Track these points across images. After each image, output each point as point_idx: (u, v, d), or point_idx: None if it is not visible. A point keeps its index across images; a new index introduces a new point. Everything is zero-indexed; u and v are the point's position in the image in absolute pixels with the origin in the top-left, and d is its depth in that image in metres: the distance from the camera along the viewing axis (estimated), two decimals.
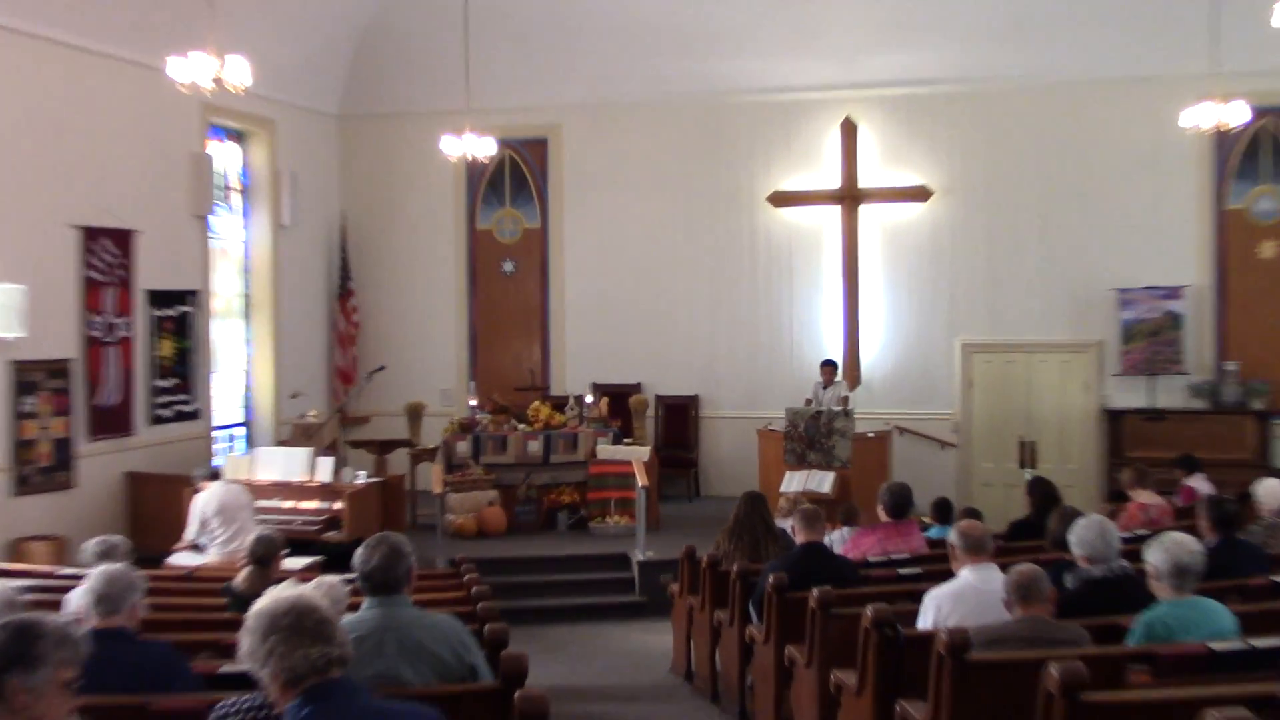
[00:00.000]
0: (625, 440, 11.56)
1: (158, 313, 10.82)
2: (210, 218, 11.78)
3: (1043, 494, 7.59)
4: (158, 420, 10.75)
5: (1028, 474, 10.26)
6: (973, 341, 12.76)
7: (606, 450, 11.27)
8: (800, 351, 13.06)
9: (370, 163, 14.03)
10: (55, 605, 4.99)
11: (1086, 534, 4.94)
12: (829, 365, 12.03)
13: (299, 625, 2.77)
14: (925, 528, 8.04)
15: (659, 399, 13.37)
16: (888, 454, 11.40)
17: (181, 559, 8.13)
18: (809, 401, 11.73)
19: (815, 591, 5.38)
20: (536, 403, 11.79)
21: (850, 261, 12.92)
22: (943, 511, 8.28)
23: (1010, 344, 12.62)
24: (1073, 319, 12.45)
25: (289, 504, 9.55)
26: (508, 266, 13.89)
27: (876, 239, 13.01)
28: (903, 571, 6.13)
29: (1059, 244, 12.55)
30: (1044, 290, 12.55)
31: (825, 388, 11.87)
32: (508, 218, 13.90)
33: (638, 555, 9.95)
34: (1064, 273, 12.50)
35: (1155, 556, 4.38)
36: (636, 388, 13.22)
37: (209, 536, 8.18)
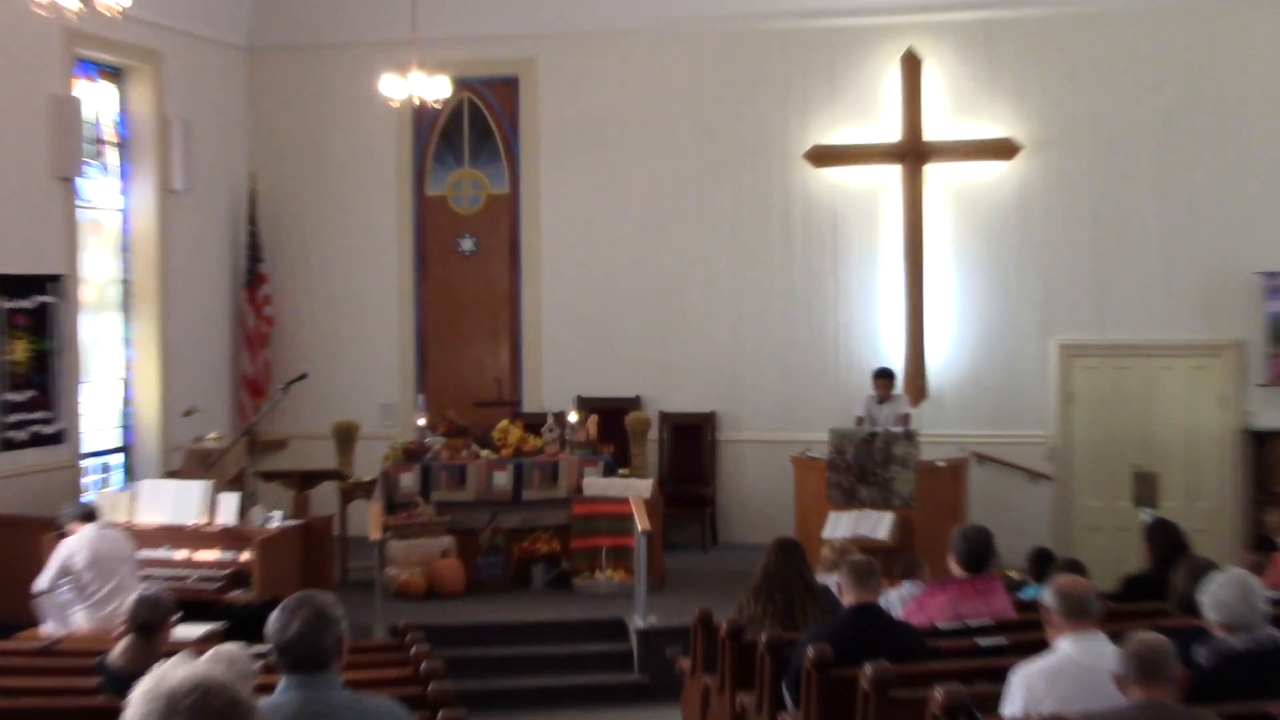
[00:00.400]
0: (620, 471, 11.60)
1: (8, 305, 10.81)
2: (78, 181, 11.80)
3: (1166, 541, 7.61)
4: (8, 445, 10.75)
5: (1146, 515, 10.24)
6: (1073, 342, 12.87)
7: (596, 484, 11.31)
8: (848, 356, 13.16)
9: (288, 109, 14.09)
10: None
11: (1224, 594, 4.93)
12: (885, 375, 12.10)
13: (203, 710, 2.64)
14: (1012, 585, 8.02)
15: (664, 417, 13.49)
16: (963, 489, 11.47)
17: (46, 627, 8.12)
18: (860, 420, 11.81)
19: (868, 668, 5.38)
20: (504, 422, 11.84)
21: (913, 238, 12.99)
22: (1036, 564, 8.29)
23: (1122, 345, 12.75)
24: (1205, 312, 12.57)
25: (181, 554, 9.56)
26: (467, 244, 13.99)
27: (947, 208, 13.11)
28: (982, 642, 6.16)
29: (1186, 214, 12.65)
30: (1167, 275, 12.66)
31: (881, 403, 11.94)
32: (467, 181, 14.01)
33: (637, 621, 9.95)
34: (1193, 252, 12.61)
35: None
36: (635, 402, 13.34)
37: (76, 593, 8.16)
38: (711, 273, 13.49)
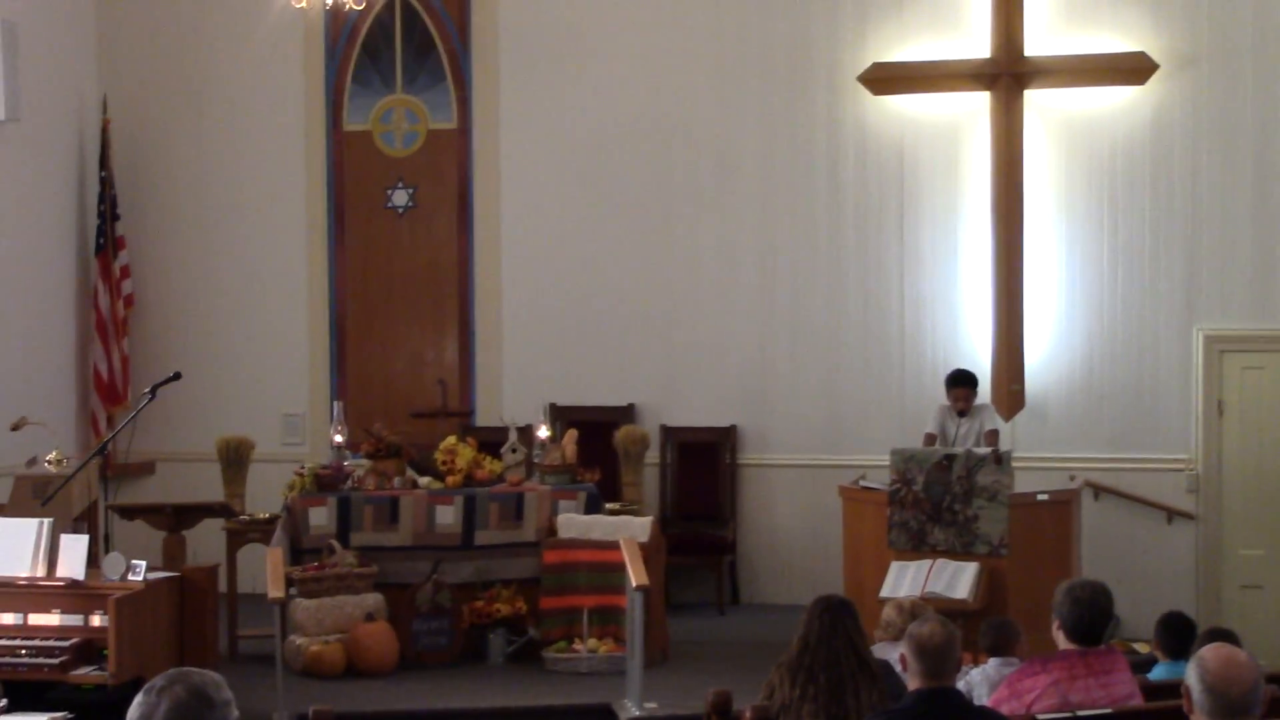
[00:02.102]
0: (608, 506, 11.65)
1: None
2: None
3: None
4: None
5: None
6: (1226, 332, 12.90)
7: (575, 523, 11.36)
8: (917, 352, 13.29)
9: (152, 14, 14.13)
10: None
11: None
12: (965, 380, 12.15)
13: None
14: (1140, 662, 8.02)
15: (668, 433, 13.60)
16: (1072, 531, 11.44)
17: None
18: (932, 439, 11.86)
19: None
20: (451, 439, 11.89)
21: (1008, 192, 13.00)
22: (1173, 634, 8.25)
23: None
24: None
25: (10, 618, 9.52)
26: (400, 197, 14.09)
27: (1054, 151, 13.15)
28: None
29: None
30: None
31: (961, 415, 12.01)
32: (399, 111, 14.10)
33: (630, 710, 9.94)
34: None
35: None
36: (628, 414, 13.46)
37: None
38: (732, 239, 13.60)
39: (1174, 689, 5.68)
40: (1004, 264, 13.03)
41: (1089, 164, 13.10)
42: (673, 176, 13.67)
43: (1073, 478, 12.16)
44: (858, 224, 13.42)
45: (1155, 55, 12.83)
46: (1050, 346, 13.15)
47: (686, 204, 13.66)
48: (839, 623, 7.13)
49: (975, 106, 13.16)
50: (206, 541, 11.62)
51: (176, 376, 12.05)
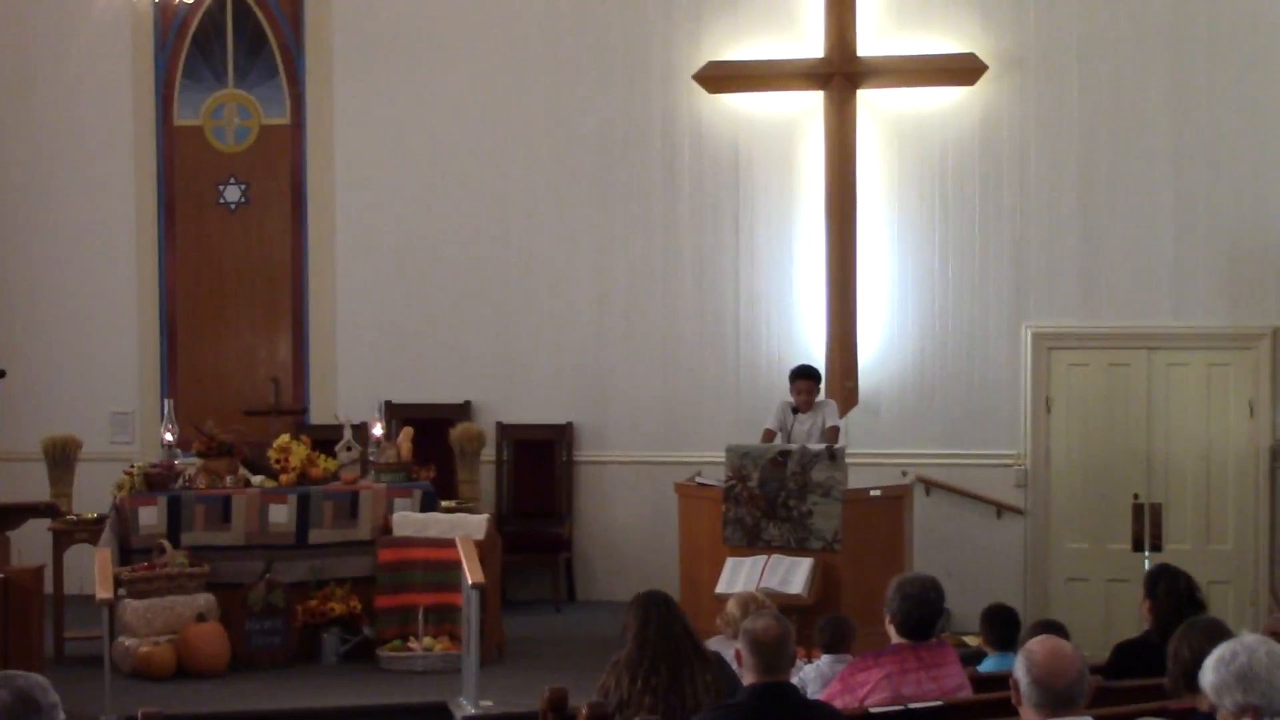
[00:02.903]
0: (444, 504, 11.61)
1: None
2: None
3: (1173, 597, 7.68)
4: None
5: (1147, 562, 10.42)
6: (1053, 330, 13.04)
7: (410, 521, 11.31)
8: (753, 350, 13.33)
9: None
10: None
11: (1247, 667, 4.96)
12: (808, 374, 12.10)
13: None
14: (970, 655, 8.10)
15: (504, 430, 13.59)
16: (904, 526, 11.55)
17: None
18: (771, 435, 11.84)
19: None
20: (284, 438, 11.76)
21: (841, 190, 13.05)
22: (1000, 627, 8.36)
23: (1119, 335, 12.92)
24: (1229, 292, 12.75)
25: None
26: (232, 193, 13.94)
27: (886, 150, 13.22)
28: None
29: (1206, 165, 12.84)
30: (1179, 243, 12.84)
31: (798, 411, 11.95)
32: (231, 106, 13.95)
33: (465, 708, 9.89)
34: (1215, 214, 12.81)
35: None
36: (464, 411, 13.42)
37: None
38: (568, 235, 13.61)
39: (1003, 680, 5.71)
40: (838, 262, 13.08)
41: (921, 163, 13.21)
42: (508, 173, 13.62)
43: (905, 473, 12.30)
44: (693, 221, 13.45)
45: (984, 56, 12.93)
46: (883, 344, 13.22)
47: (522, 200, 13.62)
48: (673, 613, 7.17)
49: (809, 105, 13.21)
50: (31, 542, 11.33)
51: (0, 374, 11.86)
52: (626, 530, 13.34)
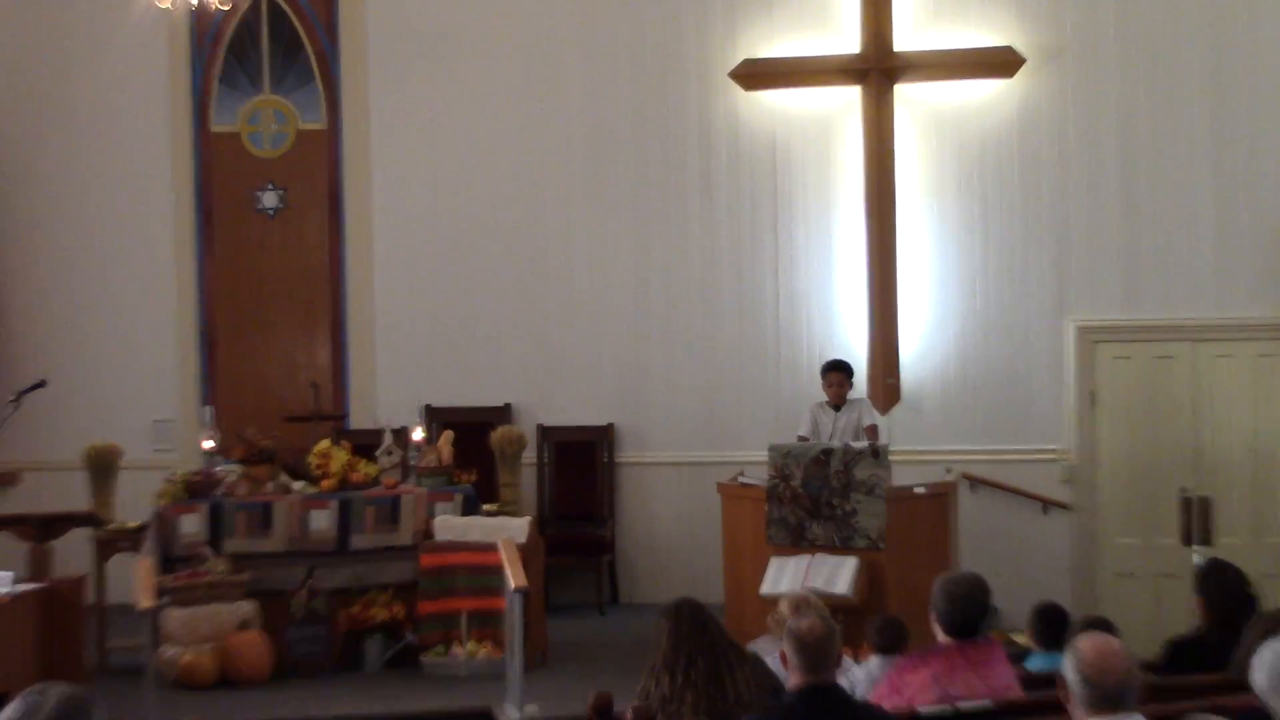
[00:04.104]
0: (485, 507, 11.56)
1: None
2: None
3: (1224, 592, 7.62)
4: None
5: (1198, 557, 10.27)
6: (1097, 324, 13.02)
7: (452, 525, 11.24)
8: (793, 348, 13.32)
9: (14, 13, 13.92)
10: None
11: None
12: (839, 369, 12.11)
13: None
14: (1017, 654, 7.98)
15: (545, 433, 13.57)
16: (949, 524, 11.43)
17: None
18: (802, 439, 11.79)
19: None
20: (325, 443, 11.75)
21: (880, 185, 13.05)
22: (1048, 625, 8.23)
23: (1164, 327, 12.89)
24: (1274, 282, 12.73)
25: None
26: (269, 199, 13.94)
27: (925, 144, 13.24)
28: None
29: (1247, 151, 12.82)
30: (1222, 233, 12.83)
31: (837, 409, 11.97)
32: (268, 112, 13.96)
33: (511, 713, 9.81)
34: (1256, 202, 12.80)
35: None
36: (504, 414, 13.41)
37: None
38: (607, 237, 13.61)
39: (1051, 679, 5.65)
40: (877, 258, 13.06)
41: (959, 157, 13.19)
42: (545, 174, 13.62)
43: (949, 470, 12.12)
44: (731, 220, 13.45)
45: (1022, 49, 12.94)
46: (925, 340, 13.20)
47: (559, 202, 13.61)
48: (704, 613, 7.12)
49: (847, 101, 13.21)
50: (73, 551, 11.36)
51: (42, 384, 11.93)
52: (669, 531, 13.34)
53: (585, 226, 13.60)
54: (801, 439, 11.77)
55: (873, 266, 13.05)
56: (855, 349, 12.94)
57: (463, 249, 13.71)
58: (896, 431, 12.44)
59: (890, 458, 11.00)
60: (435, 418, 12.94)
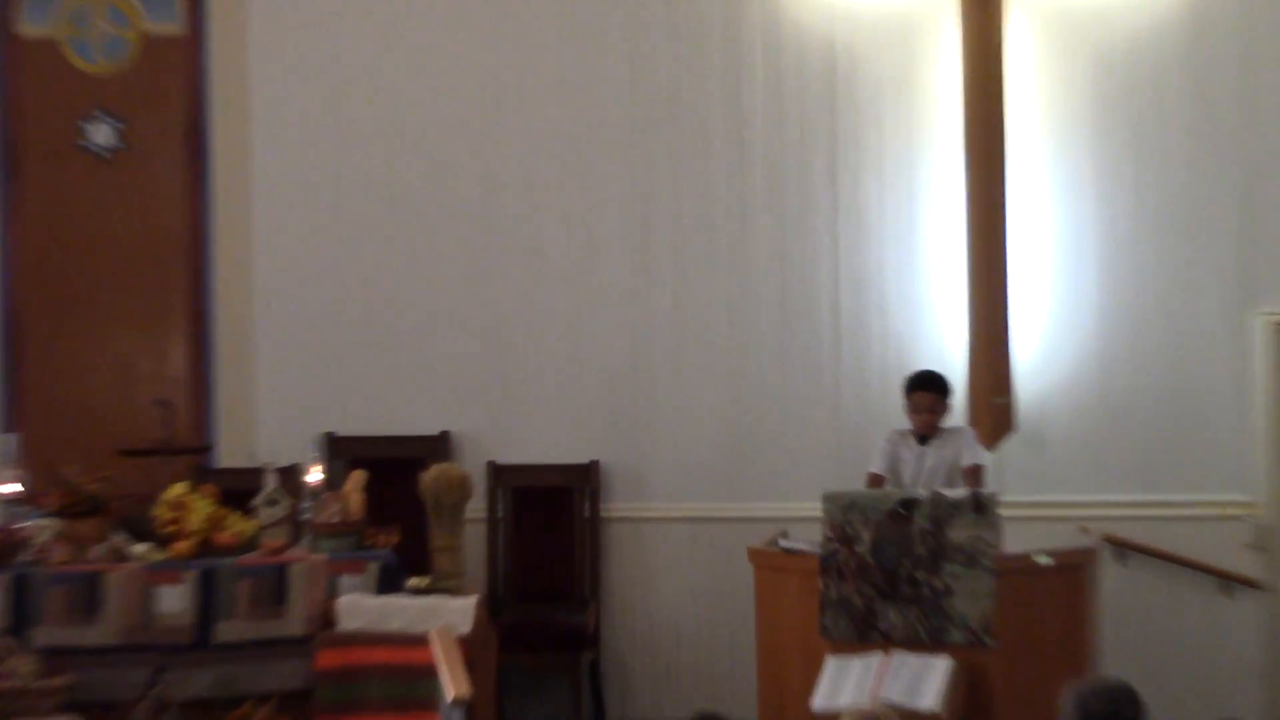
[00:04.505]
0: (411, 582, 11.49)
1: None
2: None
3: None
4: None
5: None
6: None
7: (362, 608, 11.17)
8: (858, 354, 13.44)
9: None
10: None
11: None
12: (931, 388, 12.10)
13: None
14: None
15: (499, 475, 13.74)
16: (1086, 608, 11.31)
17: None
18: (879, 481, 11.90)
19: None
20: (179, 488, 11.77)
21: (982, 124, 13.12)
22: None
23: None
24: None
25: None
26: (102, 134, 14.04)
27: (1050, 66, 13.29)
28: None
29: None
30: None
31: (925, 441, 11.98)
32: (100, 9, 14.04)
33: None
34: None
35: None
36: (440, 447, 13.55)
37: None
38: (591, 203, 13.81)
39: None
40: (980, 226, 13.11)
41: (1099, 84, 13.24)
42: (503, 105, 13.79)
43: (1086, 531, 12.09)
44: (770, 172, 13.57)
45: None
46: (1048, 343, 13.24)
47: (523, 151, 13.84)
48: None
49: (936, 10, 13.33)
50: None
51: None
52: (678, 618, 13.45)
53: (561, 188, 13.80)
54: (874, 476, 11.84)
55: (974, 239, 13.09)
56: (949, 356, 13.03)
57: (384, 212, 13.89)
58: (1009, 474, 12.57)
59: (1001, 512, 10.86)
60: (340, 452, 13.15)
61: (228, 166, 13.94)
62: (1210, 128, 13.06)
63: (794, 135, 13.46)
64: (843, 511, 10.84)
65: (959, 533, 10.64)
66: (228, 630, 11.21)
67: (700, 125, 13.56)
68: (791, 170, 13.48)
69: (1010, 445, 12.90)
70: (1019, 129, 13.14)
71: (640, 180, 13.65)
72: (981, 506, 10.78)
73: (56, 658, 11.00)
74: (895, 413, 12.23)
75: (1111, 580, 12.27)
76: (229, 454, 13.56)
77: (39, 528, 11.46)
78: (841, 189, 13.40)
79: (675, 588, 13.44)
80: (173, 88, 13.93)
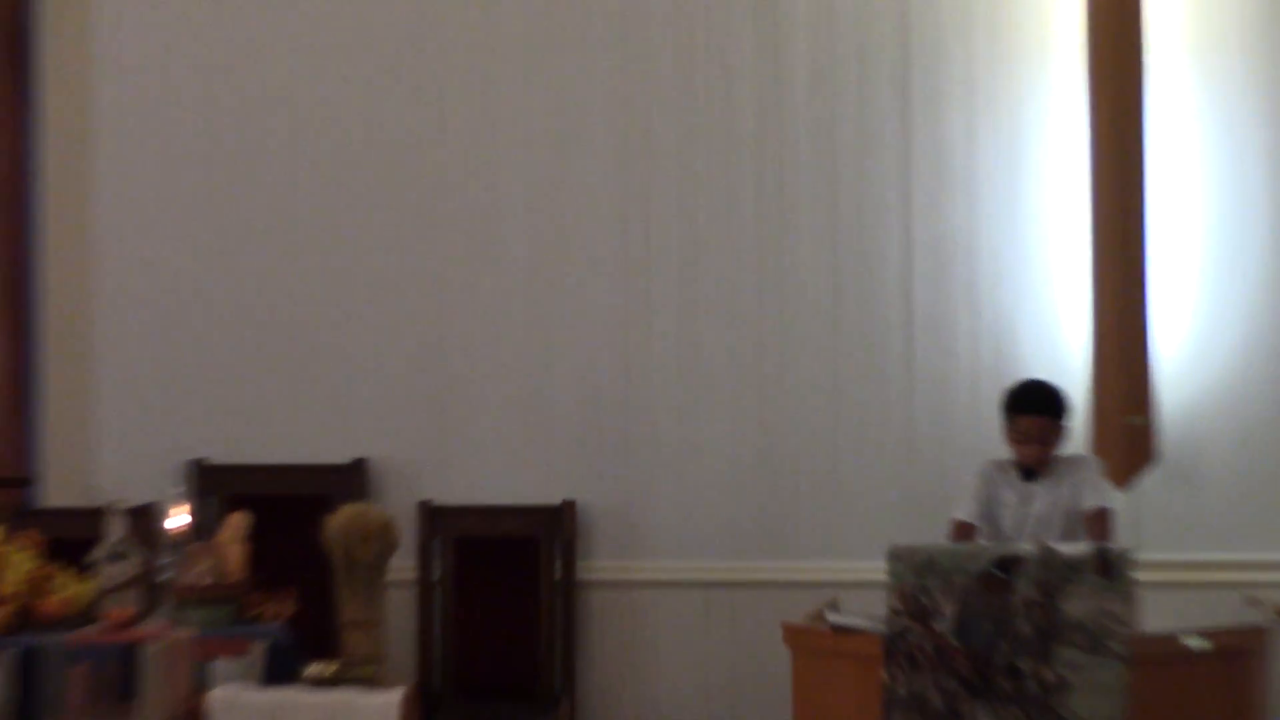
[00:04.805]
0: (312, 669, 11.12)
1: None
2: None
3: None
4: None
5: None
6: None
7: (243, 707, 10.85)
8: (937, 353, 13.46)
9: None
10: None
11: None
12: (1041, 403, 11.95)
13: None
14: None
15: (435, 520, 13.72)
16: (1255, 703, 11.26)
17: None
18: (968, 531, 11.77)
19: None
20: None
21: (1115, 43, 13.04)
22: None
23: None
24: None
25: None
26: None
27: (1193, 25, 13.25)
28: None
29: None
30: None
31: (1032, 477, 11.81)
32: None
33: None
34: None
35: None
36: (351, 480, 13.60)
37: None
38: (563, 159, 13.89)
39: None
40: (1110, 186, 13.01)
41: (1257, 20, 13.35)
42: (447, 53, 13.97)
43: (1255, 602, 11.96)
44: (815, 107, 13.58)
45: None
46: (1200, 343, 13.21)
47: (474, 116, 13.98)
48: None
49: None
50: None
51: None
52: (689, 716, 13.42)
53: (514, 132, 13.91)
54: (960, 533, 11.67)
55: (1101, 197, 13.02)
56: (1067, 360, 13.03)
57: (281, 180, 14.04)
58: (1150, 522, 12.47)
59: (1138, 576, 10.63)
60: (214, 487, 13.33)
61: (62, 113, 14.08)
62: None
63: (849, 55, 13.44)
64: (917, 574, 10.57)
65: (1078, 604, 10.40)
66: None
67: (716, 50, 13.61)
68: (847, 104, 13.47)
69: (1151, 482, 12.82)
70: (1164, 51, 13.13)
71: (630, 141, 13.74)
72: (1110, 568, 10.54)
73: None
74: (991, 439, 12.13)
75: None
76: (58, 489, 13.66)
77: None
78: (915, 129, 13.41)
79: (681, 678, 13.44)
80: None
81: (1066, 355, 12.92)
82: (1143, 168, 12.89)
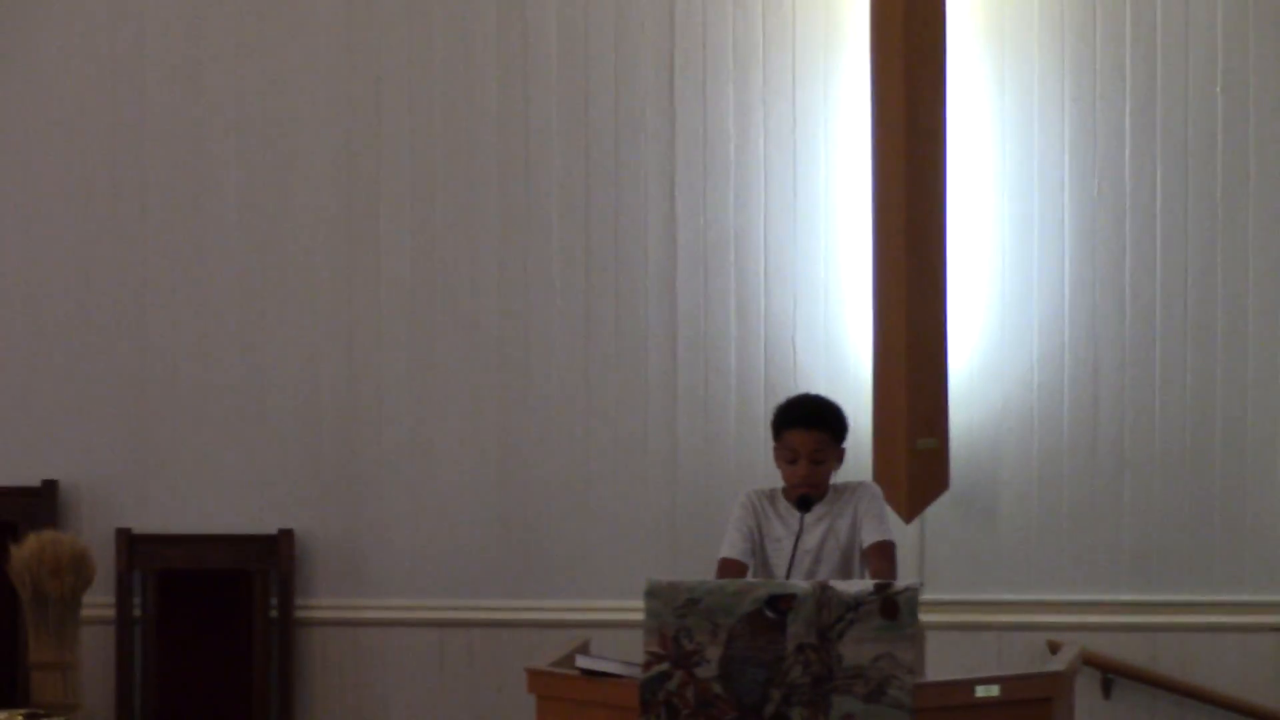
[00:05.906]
0: None
1: None
2: None
3: None
4: None
5: None
6: None
7: None
8: (708, 368, 13.66)
9: None
10: None
11: None
12: (813, 417, 11.77)
13: None
14: None
15: (134, 549, 13.79)
16: None
17: None
18: (734, 568, 11.69)
19: None
20: None
21: (905, 37, 13.11)
22: None
23: None
24: None
25: None
26: None
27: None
28: None
29: None
30: None
31: (807, 505, 11.63)
32: None
33: None
34: None
35: None
36: (41, 504, 13.67)
37: None
38: (283, 140, 14.11)
39: None
40: (901, 176, 13.14)
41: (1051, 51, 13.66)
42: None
43: (1055, 647, 12.18)
44: (566, 84, 13.85)
45: None
46: (998, 356, 13.53)
47: (159, 81, 14.13)
48: None
49: None
50: None
51: None
52: None
53: (224, 118, 14.08)
54: (726, 570, 11.61)
55: (887, 199, 13.15)
56: (853, 377, 13.28)
57: None
58: (939, 558, 12.69)
59: (925, 618, 10.76)
60: None
61: None
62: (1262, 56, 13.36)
63: (605, 23, 13.67)
64: (678, 614, 10.59)
65: (858, 649, 10.44)
66: None
67: (456, 10, 13.84)
68: (603, 80, 13.77)
69: (940, 512, 12.98)
70: (959, 43, 13.45)
71: (359, 106, 13.96)
72: (893, 608, 10.59)
73: None
74: (766, 464, 12.10)
75: (1093, 717, 12.29)
76: None
77: None
78: (680, 112, 13.54)
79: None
80: None
81: (851, 370, 13.15)
82: (942, 162, 13.12)
